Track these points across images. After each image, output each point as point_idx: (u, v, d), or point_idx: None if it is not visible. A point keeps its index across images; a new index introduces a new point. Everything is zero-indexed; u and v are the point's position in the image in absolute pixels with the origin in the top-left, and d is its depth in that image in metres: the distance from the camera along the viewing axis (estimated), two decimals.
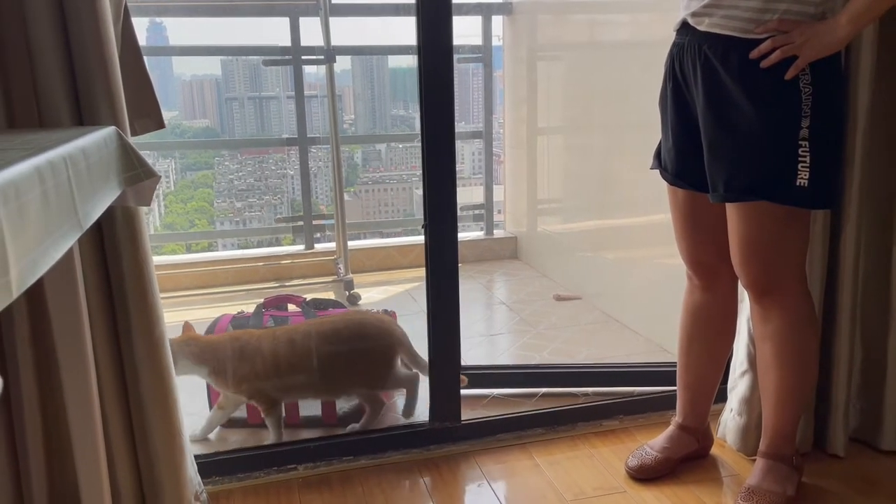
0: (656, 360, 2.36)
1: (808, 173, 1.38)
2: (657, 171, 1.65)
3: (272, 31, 3.49)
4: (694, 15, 1.43)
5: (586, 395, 2.08)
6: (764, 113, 1.38)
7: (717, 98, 1.42)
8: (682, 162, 1.56)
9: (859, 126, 1.63)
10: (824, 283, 1.72)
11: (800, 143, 1.38)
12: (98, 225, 1.35)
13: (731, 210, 1.49)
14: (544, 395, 2.10)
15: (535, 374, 2.18)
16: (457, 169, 1.77)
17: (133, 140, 1.34)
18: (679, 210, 1.63)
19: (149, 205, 1.30)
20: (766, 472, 1.61)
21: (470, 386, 1.98)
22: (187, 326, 1.92)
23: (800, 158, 1.38)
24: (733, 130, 1.41)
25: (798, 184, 1.39)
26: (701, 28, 1.42)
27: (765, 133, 1.39)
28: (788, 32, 1.34)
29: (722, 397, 1.87)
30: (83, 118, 1.30)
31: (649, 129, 1.71)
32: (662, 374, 2.04)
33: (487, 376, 2.13)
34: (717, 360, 1.75)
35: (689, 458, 1.79)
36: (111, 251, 1.37)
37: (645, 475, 1.73)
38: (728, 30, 1.38)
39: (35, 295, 1.32)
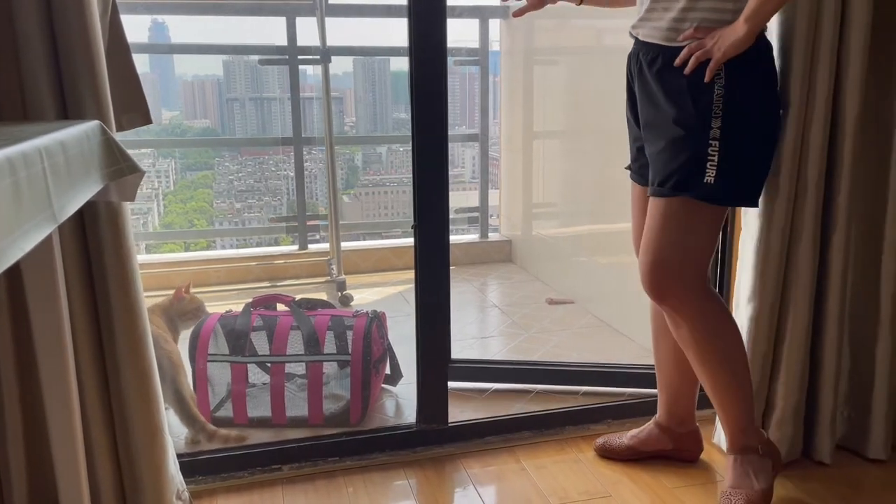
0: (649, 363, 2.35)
1: (714, 171, 1.45)
2: None
3: (272, 31, 3.50)
4: (634, 26, 1.56)
5: (579, 393, 2.10)
6: (679, 113, 1.46)
7: (647, 100, 1.53)
8: (638, 159, 1.65)
9: (847, 133, 1.63)
10: (813, 291, 1.72)
11: (710, 142, 1.44)
12: (81, 221, 1.35)
13: (650, 204, 1.54)
14: (538, 394, 2.11)
15: (528, 371, 2.17)
16: (457, 173, 1.78)
17: (120, 137, 1.34)
18: (634, 205, 1.71)
19: (132, 200, 1.30)
20: (734, 467, 1.62)
21: (461, 379, 1.97)
22: None
23: (709, 157, 1.45)
24: (658, 130, 1.51)
25: (705, 181, 1.45)
26: (640, 37, 1.54)
27: (680, 132, 1.46)
28: (702, 39, 1.43)
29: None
30: (68, 112, 1.30)
31: None
32: (654, 376, 2.02)
33: (480, 370, 2.12)
34: (683, 363, 1.70)
35: (664, 457, 1.82)
36: (94, 247, 1.36)
37: (605, 454, 1.84)
38: (655, 38, 1.49)
39: (15, 291, 1.32)
